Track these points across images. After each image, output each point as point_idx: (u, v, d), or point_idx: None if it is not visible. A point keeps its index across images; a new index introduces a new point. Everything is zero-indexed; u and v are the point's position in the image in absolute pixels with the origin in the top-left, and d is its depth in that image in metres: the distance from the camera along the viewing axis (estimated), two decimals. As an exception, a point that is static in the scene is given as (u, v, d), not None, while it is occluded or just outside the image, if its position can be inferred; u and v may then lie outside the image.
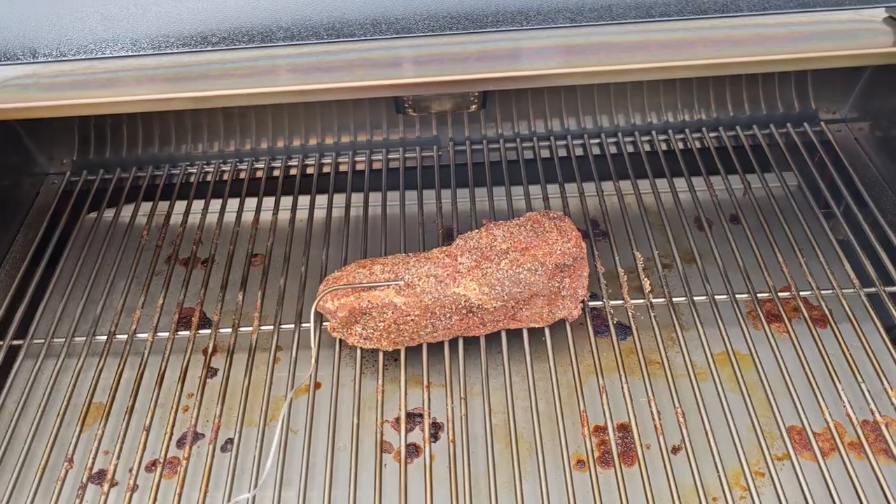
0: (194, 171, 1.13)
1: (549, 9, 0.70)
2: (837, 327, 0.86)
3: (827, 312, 0.88)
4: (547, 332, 0.87)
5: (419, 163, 1.11)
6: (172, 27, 0.71)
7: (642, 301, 0.91)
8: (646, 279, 0.92)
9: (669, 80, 1.11)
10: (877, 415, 0.78)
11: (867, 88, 1.10)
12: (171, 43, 0.71)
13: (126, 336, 0.90)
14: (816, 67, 0.86)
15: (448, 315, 0.83)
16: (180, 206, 1.08)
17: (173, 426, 0.81)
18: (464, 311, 0.83)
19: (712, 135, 1.12)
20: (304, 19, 0.71)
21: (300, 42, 0.71)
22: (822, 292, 0.89)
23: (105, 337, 0.90)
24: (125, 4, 0.71)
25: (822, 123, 1.12)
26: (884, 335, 0.85)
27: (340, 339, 0.87)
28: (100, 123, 1.12)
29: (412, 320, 0.82)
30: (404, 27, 0.70)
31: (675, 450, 0.80)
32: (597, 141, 1.13)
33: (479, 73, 0.73)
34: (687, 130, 1.13)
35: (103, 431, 0.81)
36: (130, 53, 0.71)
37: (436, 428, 0.83)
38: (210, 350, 0.88)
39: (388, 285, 0.82)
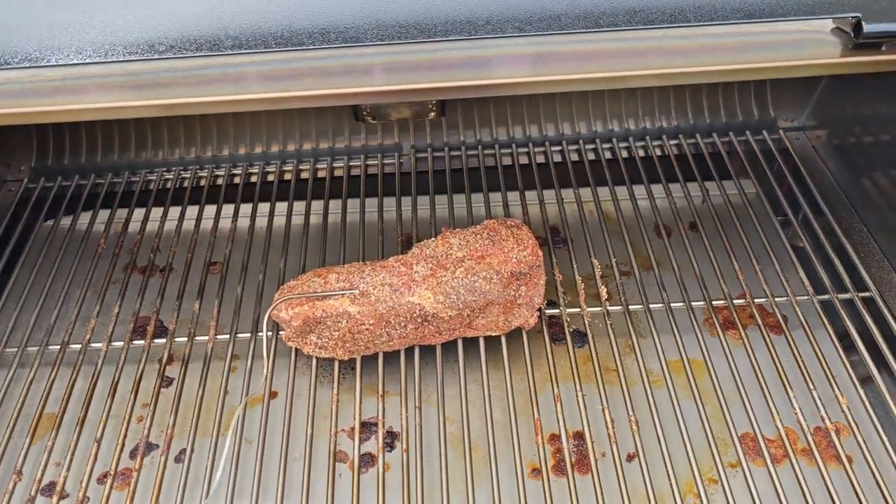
0: (154, 178, 1.12)
1: (498, 19, 0.70)
2: (791, 334, 0.87)
3: (781, 320, 0.89)
4: (503, 340, 0.87)
5: (380, 170, 1.11)
6: (119, 35, 0.70)
7: (599, 309, 0.91)
8: (603, 287, 0.93)
9: (630, 88, 1.11)
10: (827, 422, 0.79)
11: (824, 97, 1.11)
12: (118, 51, 0.70)
13: (80, 346, 0.89)
14: (764, 77, 0.86)
15: (403, 324, 0.83)
16: (139, 213, 1.07)
17: (125, 437, 0.81)
18: (419, 320, 0.83)
19: (672, 142, 1.13)
20: (253, 28, 0.71)
21: (248, 51, 0.70)
22: (777, 300, 0.90)
23: (59, 347, 0.89)
24: (71, 12, 0.70)
25: (781, 131, 1.13)
26: (836, 342, 0.86)
27: (296, 349, 0.86)
28: (59, 130, 1.11)
29: (367, 329, 0.82)
30: (353, 36, 0.70)
31: (630, 457, 0.80)
32: (558, 148, 1.14)
33: (430, 82, 0.73)
34: (647, 137, 1.13)
35: (54, 443, 0.80)
36: (77, 62, 0.70)
37: (391, 437, 0.83)
38: (165, 359, 0.87)
39: (342, 294, 0.82)
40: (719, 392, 0.82)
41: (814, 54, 0.75)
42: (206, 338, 0.89)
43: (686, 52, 0.74)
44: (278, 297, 0.84)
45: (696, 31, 0.74)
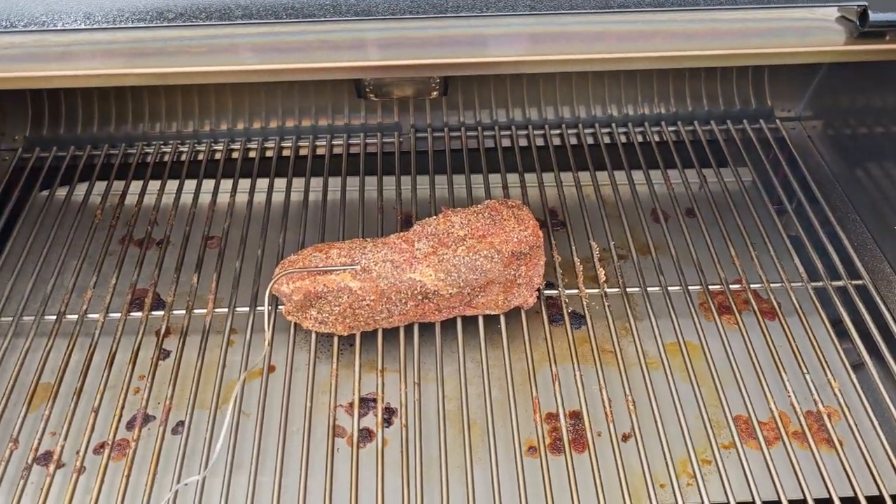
0: (151, 151, 1.11)
1: (508, -2, 0.70)
2: (785, 320, 0.88)
3: (776, 305, 0.90)
4: (502, 319, 0.88)
5: (380, 148, 1.11)
6: (128, 1, 0.70)
7: (597, 291, 0.92)
8: (601, 269, 0.93)
9: (630, 73, 1.12)
10: (820, 405, 0.80)
11: (821, 88, 1.12)
12: (127, 17, 0.70)
13: (76, 316, 0.88)
14: (770, 63, 0.87)
15: (404, 301, 0.83)
16: (136, 186, 1.06)
17: (123, 408, 0.80)
18: (419, 297, 0.83)
19: (671, 129, 1.14)
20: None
21: (259, 21, 0.70)
22: (772, 285, 0.91)
23: (54, 317, 0.88)
24: (80, -24, 0.69)
25: (778, 121, 1.14)
26: (829, 328, 0.88)
27: (295, 323, 0.86)
28: (54, 99, 1.10)
29: (368, 305, 0.82)
30: (364, 9, 0.70)
31: (626, 437, 0.81)
32: (557, 132, 1.14)
33: (439, 58, 0.73)
34: (646, 124, 1.14)
35: (50, 412, 0.80)
36: (84, 27, 0.69)
37: (389, 413, 0.84)
38: (163, 332, 0.87)
39: (344, 269, 0.82)
40: (714, 375, 0.83)
41: (819, 42, 0.76)
42: (205, 311, 0.89)
43: (693, 36, 0.74)
44: (279, 270, 0.83)
45: (703, 15, 0.74)
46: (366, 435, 0.81)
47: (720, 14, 0.74)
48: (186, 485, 0.74)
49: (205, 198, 1.04)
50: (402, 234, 0.85)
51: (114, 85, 0.71)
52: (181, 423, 0.81)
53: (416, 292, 0.82)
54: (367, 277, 0.81)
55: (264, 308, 0.85)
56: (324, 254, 0.83)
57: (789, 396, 0.81)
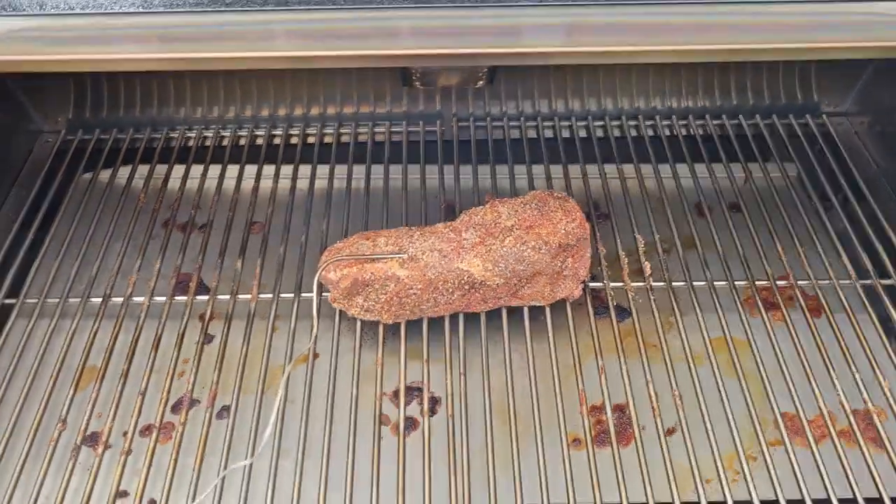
0: (193, 135, 1.11)
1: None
2: (833, 317, 0.87)
3: (823, 302, 0.89)
4: (547, 311, 0.87)
5: (422, 137, 1.10)
6: (184, -15, 0.69)
7: (642, 284, 0.91)
8: (646, 262, 0.93)
9: (675, 65, 1.10)
10: (869, 404, 0.79)
11: (869, 84, 1.11)
12: (184, 1, 0.69)
13: (122, 299, 0.88)
14: (830, 57, 0.86)
15: (450, 290, 0.82)
16: (178, 170, 1.06)
17: (169, 391, 0.81)
18: (466, 287, 0.82)
19: (715, 122, 1.13)
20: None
21: (315, 7, 0.70)
22: (819, 282, 0.90)
23: (100, 299, 0.88)
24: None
25: (824, 116, 1.13)
26: (878, 327, 0.86)
27: (341, 311, 0.86)
28: (97, 83, 1.10)
29: (414, 294, 0.82)
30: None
31: (671, 431, 0.80)
32: (600, 123, 1.13)
33: (487, 47, 0.72)
34: (690, 117, 1.13)
35: (97, 394, 0.80)
36: (141, 10, 0.69)
37: (434, 402, 0.83)
38: (208, 316, 0.87)
39: (391, 257, 0.81)
40: (762, 370, 0.82)
41: (880, 37, 0.74)
42: (249, 296, 0.89)
43: (754, 29, 0.73)
44: (326, 257, 0.83)
45: (764, 8, 0.73)
46: (410, 424, 0.81)
47: (781, 7, 0.73)
48: (235, 469, 0.74)
49: (247, 183, 1.04)
50: (449, 223, 0.85)
51: (169, 69, 0.71)
52: (226, 407, 0.81)
53: (463, 282, 0.82)
54: (414, 266, 0.81)
55: (310, 295, 0.85)
56: (371, 241, 0.83)
57: (838, 395, 0.80)
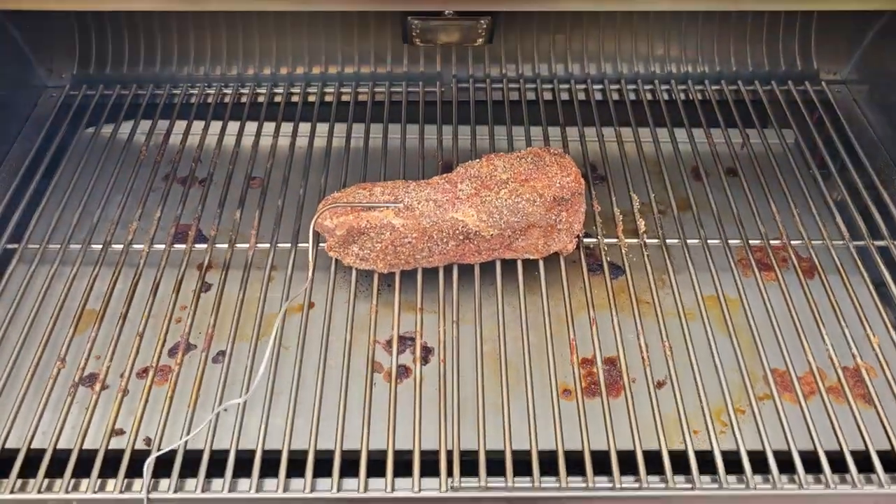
0: (195, 92, 1.12)
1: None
2: (826, 278, 0.87)
3: (817, 263, 0.89)
4: (541, 265, 0.88)
5: (422, 97, 1.11)
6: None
7: (636, 241, 0.91)
8: (641, 220, 0.93)
9: (674, 29, 1.11)
10: (859, 360, 0.80)
11: (869, 51, 1.11)
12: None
13: (122, 246, 0.90)
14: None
15: (445, 240, 0.83)
16: (180, 126, 1.07)
17: (166, 335, 0.82)
18: (461, 237, 0.83)
19: (714, 87, 1.13)
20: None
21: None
22: (813, 243, 0.91)
23: (100, 246, 0.90)
24: None
25: (823, 83, 1.13)
26: (871, 287, 0.87)
27: (336, 261, 0.87)
28: (101, 37, 1.11)
29: (409, 243, 0.83)
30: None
31: (660, 384, 0.81)
32: (600, 87, 1.13)
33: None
34: (689, 82, 1.13)
35: (96, 336, 0.81)
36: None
37: (426, 352, 0.84)
38: (205, 265, 0.88)
39: (387, 206, 0.82)
40: (753, 328, 0.82)
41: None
42: (247, 245, 0.90)
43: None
44: (323, 205, 0.84)
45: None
46: (403, 371, 0.82)
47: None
48: (226, 410, 0.76)
49: (247, 140, 1.05)
50: (445, 175, 0.86)
51: (158, 9, 0.71)
52: (222, 352, 0.82)
53: (457, 232, 0.83)
54: (409, 215, 0.82)
55: (306, 245, 0.86)
56: (367, 191, 0.84)
57: (827, 350, 0.80)
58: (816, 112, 1.09)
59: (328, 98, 1.12)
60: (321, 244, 0.88)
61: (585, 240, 0.91)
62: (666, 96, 1.12)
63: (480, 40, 1.03)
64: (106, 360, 0.79)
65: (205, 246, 0.90)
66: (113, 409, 0.75)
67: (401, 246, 0.83)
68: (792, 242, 0.91)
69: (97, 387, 0.77)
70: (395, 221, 0.82)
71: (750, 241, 0.91)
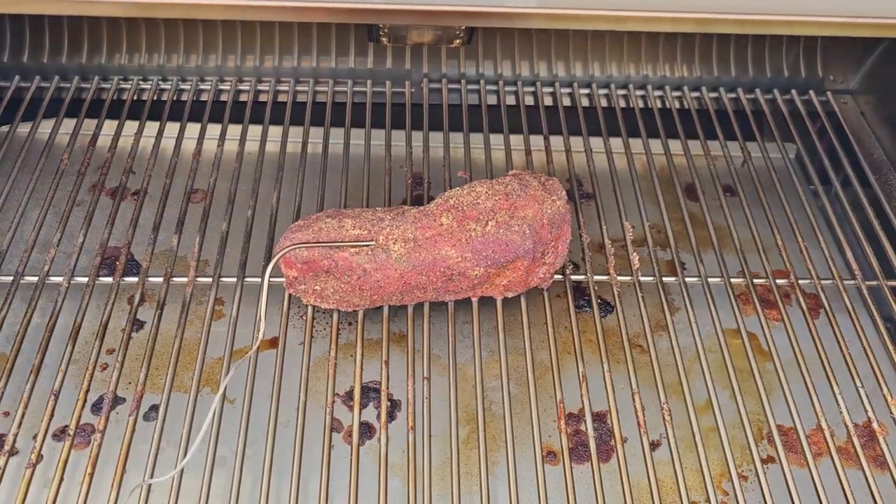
0: (128, 86, 0.98)
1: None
2: (834, 318, 0.79)
3: (824, 301, 0.81)
4: (523, 303, 0.78)
5: (389, 99, 0.99)
6: None
7: (629, 278, 0.82)
8: (634, 254, 0.83)
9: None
10: (874, 423, 0.72)
11: (880, 60, 1.02)
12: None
13: (37, 278, 0.77)
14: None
15: (422, 286, 0.72)
16: (110, 126, 0.93)
17: (88, 387, 0.70)
18: (442, 280, 0.72)
19: (712, 95, 1.03)
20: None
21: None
22: (823, 282, 0.82)
23: (11, 277, 0.77)
24: None
25: (829, 93, 1.04)
26: (883, 332, 0.79)
27: (291, 296, 0.76)
28: (17, 22, 0.96)
29: (380, 286, 0.72)
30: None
31: (655, 445, 0.73)
32: (586, 91, 1.03)
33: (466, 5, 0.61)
34: (685, 88, 1.03)
35: (3, 389, 0.69)
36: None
37: (393, 406, 0.74)
38: (137, 299, 0.76)
39: (358, 246, 0.71)
40: (756, 376, 0.74)
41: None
42: (185, 279, 0.78)
43: None
44: (281, 245, 0.72)
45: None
46: (366, 430, 0.72)
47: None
48: (150, 485, 0.64)
49: (189, 144, 0.92)
50: (423, 207, 0.74)
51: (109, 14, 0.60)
52: (155, 407, 0.71)
53: (438, 275, 0.72)
54: (383, 257, 0.71)
55: (255, 278, 0.75)
56: (336, 221, 0.72)
57: (840, 409, 0.72)
58: (821, 126, 1.00)
59: (282, 97, 0.99)
60: (278, 277, 0.77)
61: (573, 277, 0.81)
62: (659, 103, 1.02)
63: (458, 41, 0.91)
64: (15, 420, 0.67)
65: (136, 279, 0.77)
66: (22, 483, 0.63)
67: (369, 290, 0.72)
68: (800, 281, 0.82)
69: (4, 452, 0.65)
70: (368, 265, 0.70)
71: (754, 281, 0.82)
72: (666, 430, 0.70)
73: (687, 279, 0.81)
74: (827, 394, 0.73)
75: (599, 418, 0.74)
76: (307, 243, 0.70)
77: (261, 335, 0.68)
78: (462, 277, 0.72)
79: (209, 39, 0.97)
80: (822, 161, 0.97)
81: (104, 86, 0.98)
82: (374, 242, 0.70)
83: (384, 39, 0.90)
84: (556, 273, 0.79)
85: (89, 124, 0.93)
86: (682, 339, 0.79)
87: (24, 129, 0.93)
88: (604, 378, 0.73)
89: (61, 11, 0.84)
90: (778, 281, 0.82)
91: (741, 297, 0.84)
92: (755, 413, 0.74)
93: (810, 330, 0.78)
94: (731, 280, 0.82)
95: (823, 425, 0.71)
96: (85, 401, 0.69)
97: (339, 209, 0.75)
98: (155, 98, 0.98)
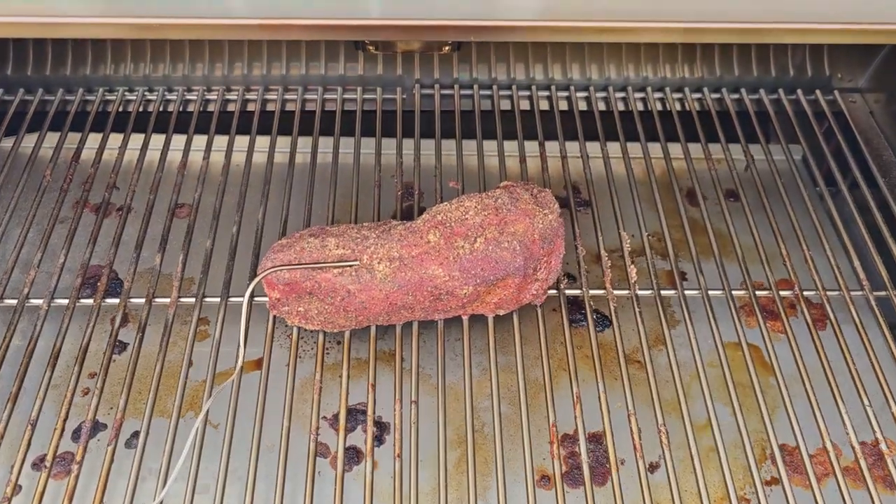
0: (114, 98, 0.96)
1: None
2: (840, 331, 0.76)
3: (830, 313, 0.78)
4: (515, 319, 0.75)
5: (379, 106, 0.96)
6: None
7: (627, 293, 0.79)
8: (632, 266, 0.80)
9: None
10: (879, 437, 0.69)
11: (892, 57, 0.97)
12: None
13: (17, 301, 0.75)
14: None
15: (409, 306, 0.70)
16: (94, 139, 0.91)
17: (67, 415, 0.68)
18: (429, 300, 0.70)
19: (714, 96, 1.00)
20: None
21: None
22: (829, 293, 0.79)
23: (-10, 300, 0.75)
24: None
25: (836, 92, 1.00)
26: (891, 343, 0.76)
27: (275, 317, 0.74)
28: None
29: (365, 308, 0.70)
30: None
31: (653, 467, 0.70)
32: (584, 94, 1.00)
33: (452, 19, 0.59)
34: (686, 89, 0.99)
35: (-18, 418, 0.67)
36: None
37: (380, 429, 0.72)
38: (118, 322, 0.74)
39: (341, 266, 0.68)
40: (758, 393, 0.71)
41: None
42: (168, 299, 0.76)
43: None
44: (268, 260, 0.70)
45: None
46: (353, 455, 0.70)
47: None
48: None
49: (174, 156, 0.90)
50: (409, 224, 0.72)
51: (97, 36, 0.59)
52: (136, 433, 0.69)
53: (425, 295, 0.69)
54: (368, 277, 0.68)
55: (239, 298, 0.72)
56: (319, 240, 0.70)
57: (846, 428, 0.69)
58: (828, 127, 0.97)
59: (270, 106, 0.97)
60: (260, 297, 0.74)
61: (568, 291, 0.78)
62: (659, 105, 0.99)
63: (447, 48, 0.88)
64: (-7, 448, 0.65)
65: (117, 300, 0.75)
66: (-1, 515, 0.62)
67: (354, 311, 0.70)
68: (805, 292, 0.79)
69: (-20, 486, 0.64)
70: (352, 286, 0.68)
71: (757, 292, 0.79)
72: (663, 451, 0.67)
73: (687, 292, 0.78)
74: (832, 411, 0.70)
75: (595, 439, 0.72)
76: (288, 265, 0.67)
77: (240, 361, 0.66)
78: (450, 297, 0.70)
79: (196, 47, 0.95)
80: (828, 163, 0.93)
81: (89, 97, 0.96)
82: (357, 262, 0.68)
83: (371, 48, 0.87)
84: (550, 288, 0.76)
85: (74, 138, 0.91)
86: (682, 353, 0.77)
87: (7, 143, 0.91)
88: (599, 399, 0.70)
89: (67, 35, 0.83)
90: (782, 292, 0.79)
91: (744, 307, 0.81)
92: (757, 432, 0.71)
93: (815, 343, 0.75)
94: (733, 292, 0.78)
95: (828, 445, 0.68)
96: (63, 429, 0.67)
97: (323, 227, 0.73)
98: (140, 109, 0.95)
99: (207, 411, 0.68)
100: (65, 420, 0.67)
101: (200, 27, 0.68)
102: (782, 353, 0.74)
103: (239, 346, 0.67)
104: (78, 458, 0.65)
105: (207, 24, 0.67)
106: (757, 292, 0.79)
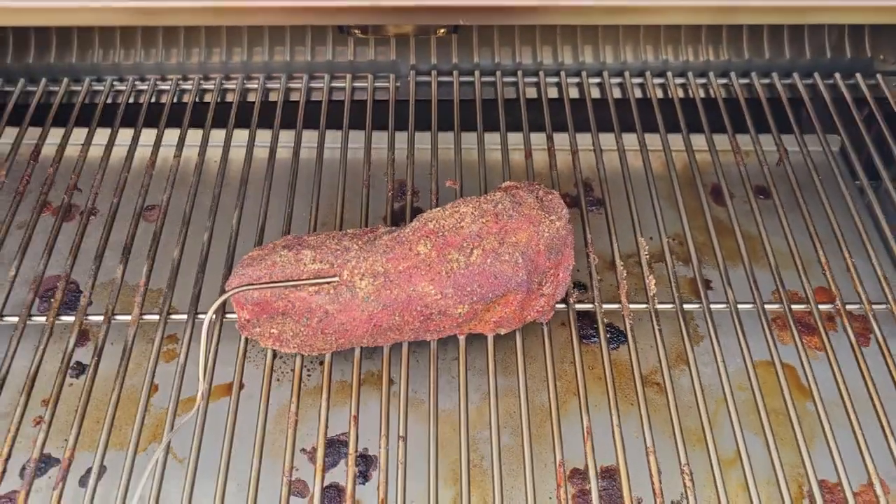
0: (79, 88, 0.88)
1: None
2: (887, 346, 0.68)
3: (874, 326, 0.69)
4: (518, 335, 0.67)
5: (370, 95, 0.88)
6: None
7: (645, 307, 0.70)
8: (650, 277, 0.72)
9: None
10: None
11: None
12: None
13: (-41, 320, 0.68)
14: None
15: (397, 326, 0.62)
16: (56, 133, 0.83)
17: (12, 447, 0.60)
18: (419, 321, 0.62)
19: (742, 81, 0.90)
20: None
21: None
22: (875, 307, 0.70)
23: (-70, 317, 0.68)
24: None
25: (879, 76, 0.90)
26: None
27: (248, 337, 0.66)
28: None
29: (346, 330, 0.61)
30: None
31: (675, 506, 0.62)
32: (597, 80, 0.91)
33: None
34: (711, 74, 0.90)
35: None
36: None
37: (366, 463, 0.64)
38: (72, 344, 0.66)
39: (318, 283, 0.60)
40: (793, 420, 0.63)
41: None
42: (130, 317, 0.68)
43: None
44: (236, 276, 0.62)
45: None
46: (335, 495, 0.62)
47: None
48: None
49: (143, 152, 0.82)
50: (397, 232, 0.63)
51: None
52: (89, 470, 0.61)
53: (414, 314, 0.61)
54: (348, 296, 0.60)
55: (207, 317, 0.65)
56: (294, 253, 0.62)
57: (894, 460, 0.61)
58: (869, 113, 0.87)
59: (251, 96, 0.89)
60: (230, 314, 0.67)
61: (578, 306, 0.70)
62: (681, 93, 0.90)
63: (442, 31, 0.79)
64: (-72, 488, 0.58)
65: (73, 318, 0.68)
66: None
67: (333, 333, 0.62)
68: (847, 306, 0.70)
69: (-89, 533, 0.56)
70: (330, 307, 0.60)
71: (792, 307, 0.70)
72: (686, 494, 0.59)
73: (712, 306, 0.70)
74: (879, 441, 0.63)
75: (608, 475, 0.63)
76: (257, 284, 0.59)
77: (200, 396, 0.58)
78: (443, 316, 0.62)
79: (170, 32, 0.87)
80: (869, 154, 0.84)
81: (53, 88, 0.88)
82: (336, 279, 0.60)
83: (357, 32, 0.79)
84: (558, 302, 0.68)
85: (33, 133, 0.84)
86: (706, 374, 0.69)
87: (-37, 140, 0.84)
88: (612, 431, 0.62)
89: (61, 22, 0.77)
90: (821, 306, 0.70)
91: (776, 320, 0.73)
92: (793, 466, 0.64)
93: (858, 361, 0.67)
94: (766, 306, 0.70)
95: (875, 481, 0.61)
96: (7, 461, 0.60)
97: (300, 236, 0.64)
98: (109, 101, 0.88)
99: (168, 444, 0.60)
100: (10, 449, 0.60)
101: (166, 11, 0.61)
102: (821, 373, 0.66)
103: (200, 379, 0.59)
104: (25, 489, 0.57)
105: (175, 7, 0.60)
106: (792, 307, 0.70)
